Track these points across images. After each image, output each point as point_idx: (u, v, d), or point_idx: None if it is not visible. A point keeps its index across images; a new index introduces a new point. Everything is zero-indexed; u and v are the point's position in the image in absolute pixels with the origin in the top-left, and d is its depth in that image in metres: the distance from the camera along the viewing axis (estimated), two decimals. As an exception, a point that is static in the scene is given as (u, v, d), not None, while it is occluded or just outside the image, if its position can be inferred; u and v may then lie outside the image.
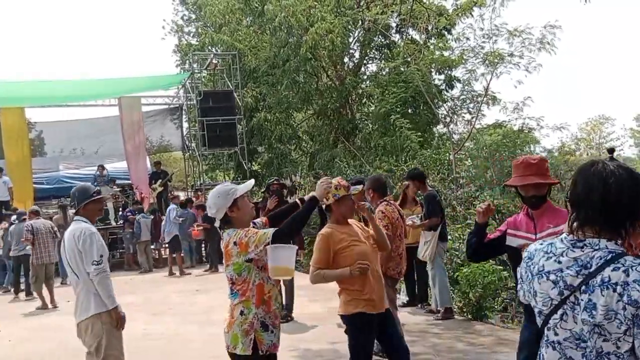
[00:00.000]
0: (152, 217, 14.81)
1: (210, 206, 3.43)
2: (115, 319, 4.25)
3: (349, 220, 4.02)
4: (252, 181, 3.52)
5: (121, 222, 15.43)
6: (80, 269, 4.23)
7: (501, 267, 8.28)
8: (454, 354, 5.92)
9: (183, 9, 24.55)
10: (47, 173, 18.55)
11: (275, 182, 8.54)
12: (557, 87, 79.79)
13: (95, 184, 15.75)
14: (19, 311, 9.97)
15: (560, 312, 1.82)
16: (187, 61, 21.14)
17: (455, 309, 7.69)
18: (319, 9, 16.81)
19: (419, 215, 7.60)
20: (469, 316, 7.61)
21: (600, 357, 1.73)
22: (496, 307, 7.82)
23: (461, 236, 9.44)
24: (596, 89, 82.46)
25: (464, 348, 6.15)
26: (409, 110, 16.42)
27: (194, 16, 24.02)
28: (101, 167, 17.11)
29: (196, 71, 19.06)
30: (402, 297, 8.42)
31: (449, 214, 10.20)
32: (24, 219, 11.42)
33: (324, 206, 3.90)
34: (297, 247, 3.44)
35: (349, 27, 18.00)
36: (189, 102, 19.62)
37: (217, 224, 3.50)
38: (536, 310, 1.91)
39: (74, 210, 4.62)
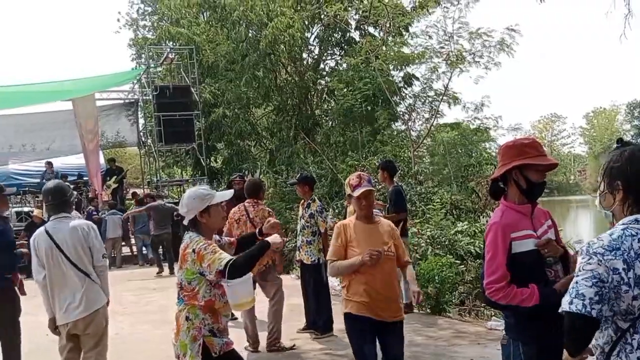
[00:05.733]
0: (121, 214, 14.48)
1: (183, 205, 3.33)
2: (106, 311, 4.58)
3: (384, 221, 4.07)
4: (231, 192, 3.41)
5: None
6: (87, 263, 4.31)
7: (458, 262, 8.39)
8: (414, 348, 5.91)
9: (139, 1, 23.97)
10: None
11: (237, 178, 8.22)
12: (510, 84, 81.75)
13: (44, 181, 15.25)
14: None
15: None
16: (143, 55, 20.66)
17: (414, 304, 7.71)
18: (278, 4, 16.70)
19: (381, 210, 7.56)
20: (428, 310, 7.65)
21: None
22: (454, 301, 7.88)
23: (419, 231, 9.51)
24: (548, 86, 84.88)
25: (423, 342, 6.17)
26: (368, 107, 16.48)
27: (150, 9, 23.50)
28: (48, 164, 16.60)
29: (152, 66, 18.63)
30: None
31: (408, 209, 10.27)
32: None
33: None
34: (252, 275, 3.36)
35: (308, 22, 17.93)
36: (144, 97, 19.17)
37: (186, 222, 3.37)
38: None
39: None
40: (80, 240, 4.28)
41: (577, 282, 1.97)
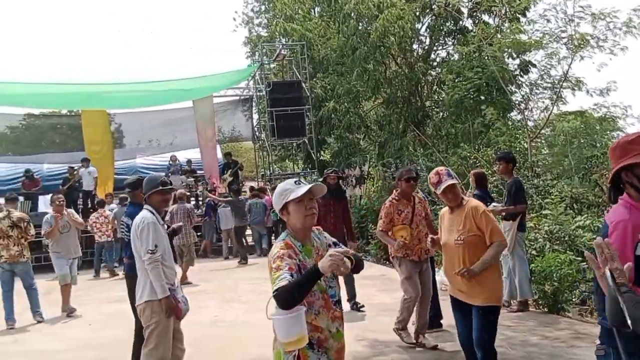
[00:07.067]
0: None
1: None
2: (165, 309, 4.29)
3: (469, 204, 4.22)
4: (311, 187, 2.83)
5: (202, 210, 15.88)
6: (137, 254, 4.44)
7: (579, 259, 7.89)
8: (529, 347, 5.67)
9: (253, 0, 24.84)
10: (125, 162, 19.43)
11: (332, 173, 8.02)
12: (637, 66, 75.06)
13: (169, 173, 16.28)
14: (100, 296, 10.40)
15: None
16: (257, 53, 21.40)
17: (530, 302, 7.39)
18: (388, -5, 16.54)
19: (500, 202, 7.37)
20: (545, 309, 7.29)
21: None
22: (574, 300, 7.43)
23: (537, 226, 9.07)
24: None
25: (539, 342, 5.89)
26: (481, 97, 15.90)
27: (263, 8, 24.28)
28: (173, 157, 17.69)
29: (265, 62, 19.24)
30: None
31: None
32: (126, 204, 12.21)
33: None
34: (304, 309, 2.59)
35: (419, 13, 17.63)
36: (258, 93, 19.86)
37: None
38: None
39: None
40: (135, 232, 4.43)
41: None
